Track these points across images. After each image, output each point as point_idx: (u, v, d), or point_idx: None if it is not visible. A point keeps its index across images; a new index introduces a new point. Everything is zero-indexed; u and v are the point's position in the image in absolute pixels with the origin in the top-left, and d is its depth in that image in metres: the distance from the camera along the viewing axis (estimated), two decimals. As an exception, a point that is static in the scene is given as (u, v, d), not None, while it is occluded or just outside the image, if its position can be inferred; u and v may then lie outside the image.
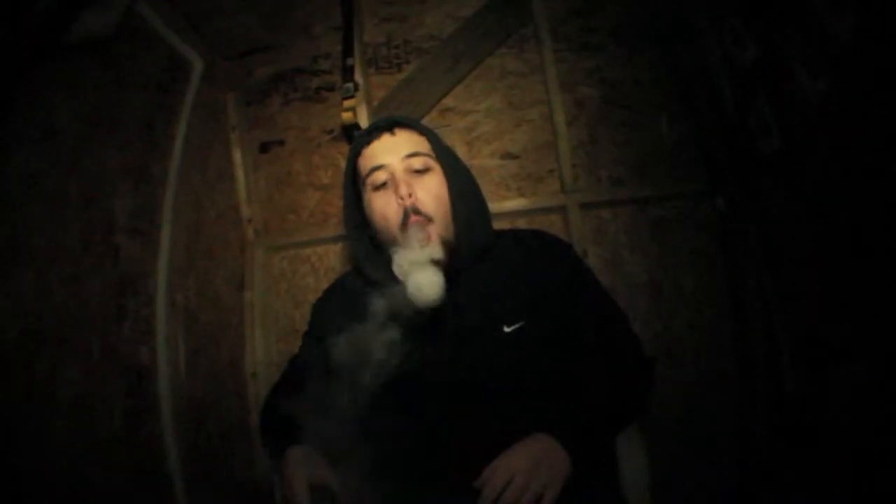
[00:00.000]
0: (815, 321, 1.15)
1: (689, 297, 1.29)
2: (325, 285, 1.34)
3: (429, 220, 0.83)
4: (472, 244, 0.88)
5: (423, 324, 0.82)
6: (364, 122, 1.30)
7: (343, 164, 1.35)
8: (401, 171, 0.85)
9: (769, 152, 1.32)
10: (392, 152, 0.86)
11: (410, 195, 0.83)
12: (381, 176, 0.85)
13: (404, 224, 0.82)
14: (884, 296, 0.92)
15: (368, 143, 0.89)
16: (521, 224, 1.28)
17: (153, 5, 1.21)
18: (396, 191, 0.83)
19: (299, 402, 0.81)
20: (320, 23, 1.42)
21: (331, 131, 1.37)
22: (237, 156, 1.43)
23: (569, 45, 1.34)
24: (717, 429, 1.27)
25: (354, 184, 0.92)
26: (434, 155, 0.89)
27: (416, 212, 0.83)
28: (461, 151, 1.31)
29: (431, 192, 0.85)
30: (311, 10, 1.42)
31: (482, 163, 1.31)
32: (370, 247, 0.92)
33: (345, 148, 1.35)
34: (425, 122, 1.34)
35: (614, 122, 1.33)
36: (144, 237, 1.19)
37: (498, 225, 1.16)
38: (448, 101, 1.33)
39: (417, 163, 0.86)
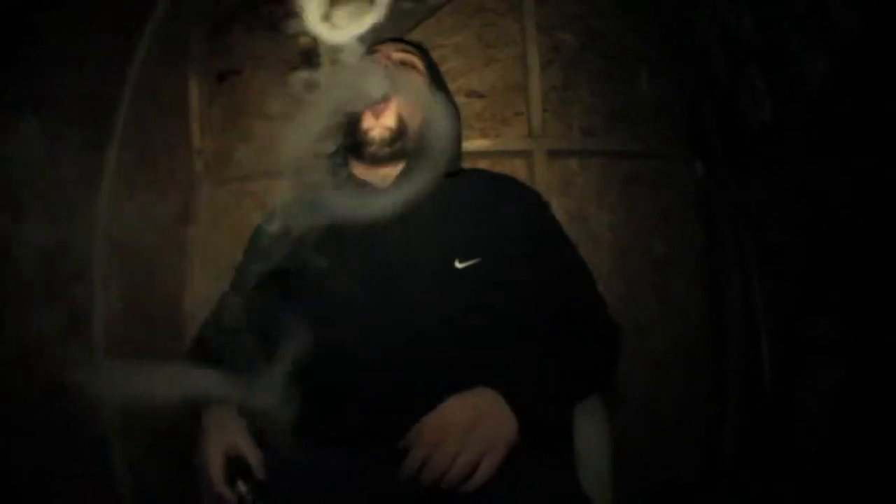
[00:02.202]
0: (795, 309, 1.06)
1: (658, 263, 1.19)
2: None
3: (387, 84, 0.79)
4: (437, 155, 0.79)
5: (363, 241, 0.74)
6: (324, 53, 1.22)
7: (301, 92, 1.28)
8: (386, 54, 0.84)
9: (758, 124, 1.24)
10: (385, 49, 0.87)
11: (389, 58, 0.84)
12: (370, 49, 0.84)
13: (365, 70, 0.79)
14: (868, 287, 0.84)
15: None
16: (484, 166, 1.19)
17: None
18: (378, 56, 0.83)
19: (219, 353, 0.72)
20: (291, -48, 1.35)
21: (289, 61, 1.29)
22: (193, 85, 1.35)
23: (550, -12, 1.27)
24: (684, 410, 1.16)
25: None
26: (425, 71, 0.87)
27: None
28: (425, 86, 1.22)
29: (412, 84, 0.84)
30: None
31: (446, 100, 1.22)
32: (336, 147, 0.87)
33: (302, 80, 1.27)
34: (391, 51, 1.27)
35: (592, 71, 1.24)
36: (88, 169, 1.11)
37: None
38: (415, 35, 1.24)
39: (403, 55, 0.86)
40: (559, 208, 1.16)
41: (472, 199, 0.81)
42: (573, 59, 1.23)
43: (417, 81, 0.87)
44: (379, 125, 0.80)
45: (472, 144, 1.18)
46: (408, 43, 0.94)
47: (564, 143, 1.19)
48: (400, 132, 0.81)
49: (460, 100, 1.22)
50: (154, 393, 0.66)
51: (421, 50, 0.93)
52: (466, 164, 1.17)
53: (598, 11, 1.26)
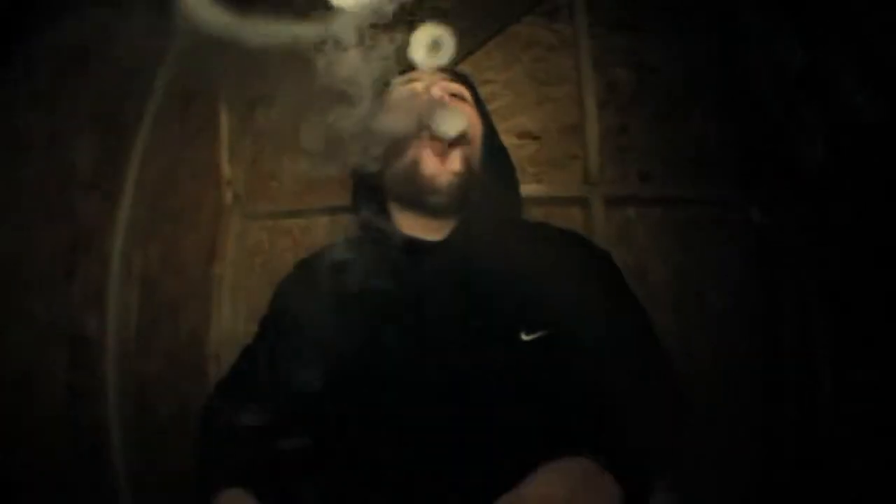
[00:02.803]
0: (855, 357, 1.02)
1: (715, 316, 1.13)
2: (305, 263, 1.21)
3: (456, 124, 0.69)
4: (497, 204, 0.73)
5: (412, 308, 0.65)
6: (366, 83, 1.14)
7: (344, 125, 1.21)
8: (437, 77, 0.76)
9: (813, 165, 1.19)
10: (429, 74, 0.78)
11: (444, 97, 0.73)
12: (409, 86, 0.75)
13: (421, 122, 0.68)
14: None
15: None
16: (537, 214, 1.12)
17: None
18: (424, 92, 0.73)
19: (243, 423, 0.63)
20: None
21: (328, 87, 1.21)
22: (224, 109, 1.27)
23: (605, 19, 1.19)
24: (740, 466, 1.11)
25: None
26: (474, 104, 0.78)
27: (443, 105, 0.70)
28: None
29: (472, 122, 0.74)
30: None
31: (497, 140, 1.15)
32: (371, 190, 0.77)
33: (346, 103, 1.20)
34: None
35: (647, 111, 1.17)
36: (105, 189, 1.04)
37: None
38: (466, 67, 1.16)
39: (456, 86, 0.76)
40: (619, 261, 1.10)
41: (537, 258, 0.71)
42: (630, 98, 1.17)
43: (474, 119, 0.77)
44: (446, 170, 0.69)
45: (525, 190, 1.09)
46: (454, 72, 0.85)
47: (622, 189, 1.13)
48: (466, 178, 0.71)
49: (512, 141, 1.16)
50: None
51: (467, 81, 0.84)
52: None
53: (654, 47, 1.20)
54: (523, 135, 1.15)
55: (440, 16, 1.21)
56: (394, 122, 0.71)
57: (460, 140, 0.70)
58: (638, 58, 1.19)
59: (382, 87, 0.81)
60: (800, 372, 1.11)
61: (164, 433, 1.10)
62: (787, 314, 1.13)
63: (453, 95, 0.76)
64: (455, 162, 0.70)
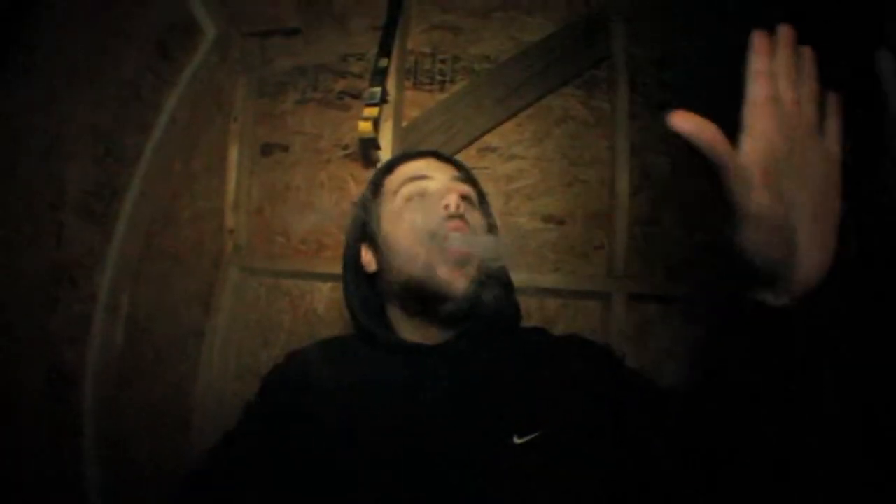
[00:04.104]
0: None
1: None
2: (301, 328, 1.13)
3: (477, 244, 0.64)
4: (498, 311, 0.66)
5: (407, 415, 0.60)
6: (386, 141, 1.07)
7: (353, 188, 1.14)
8: (452, 187, 0.68)
9: (843, 257, 1.11)
10: (441, 171, 0.70)
11: (459, 206, 0.65)
12: (423, 185, 0.68)
13: (437, 235, 0.62)
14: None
15: (409, 160, 0.72)
16: (552, 306, 1.05)
17: None
18: (442, 199, 0.65)
19: None
20: (360, 17, 1.19)
21: (346, 147, 1.14)
22: (234, 152, 1.20)
23: (647, 99, 1.11)
24: None
25: (373, 206, 0.71)
26: (477, 202, 0.73)
27: (462, 220, 0.64)
28: (496, 203, 1.06)
29: (481, 223, 0.69)
30: (354, 1, 1.21)
31: (519, 222, 1.07)
32: (367, 291, 0.72)
33: (358, 169, 1.12)
34: (461, 158, 1.11)
35: (683, 202, 1.09)
36: (97, 220, 0.97)
37: (524, 302, 0.93)
38: (491, 139, 1.09)
39: (469, 189, 0.70)
40: (632, 360, 1.02)
41: (532, 363, 0.66)
42: (665, 187, 1.08)
43: (482, 223, 0.71)
44: (463, 276, 0.64)
45: (544, 279, 1.03)
46: (459, 165, 0.78)
47: (647, 285, 1.04)
48: (484, 284, 0.65)
49: (536, 224, 1.08)
50: None
51: (470, 176, 0.77)
52: (535, 302, 1.05)
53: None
54: (548, 218, 1.07)
55: (473, 77, 1.13)
56: (404, 229, 0.65)
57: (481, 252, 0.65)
58: (677, 143, 1.10)
59: (379, 173, 0.76)
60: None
61: (141, 481, 1.05)
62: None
63: (464, 198, 0.70)
64: (473, 269, 0.64)
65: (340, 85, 1.17)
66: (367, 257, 0.71)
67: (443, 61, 1.13)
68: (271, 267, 1.14)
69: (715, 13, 1.18)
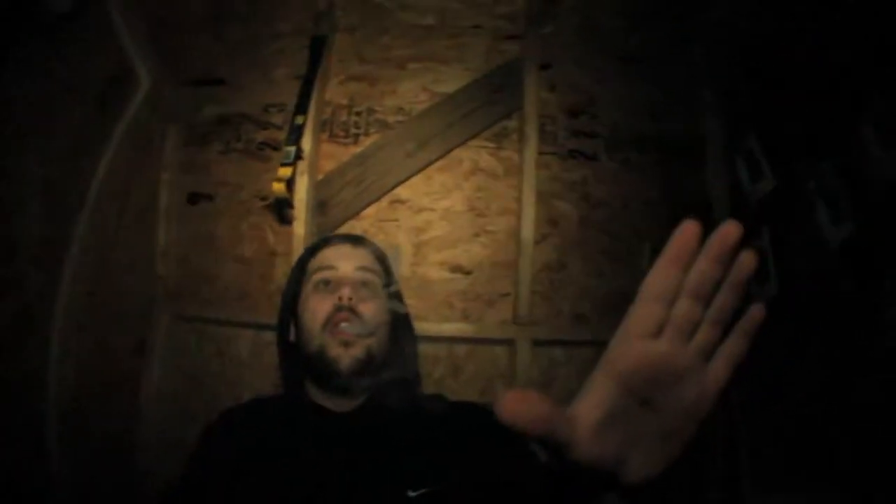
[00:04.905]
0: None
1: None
2: (229, 372, 1.19)
3: (364, 328, 0.76)
4: (400, 383, 0.77)
5: (314, 469, 0.69)
6: (301, 195, 1.11)
7: (272, 238, 1.18)
8: (350, 278, 0.80)
9: (762, 300, 1.15)
10: (347, 260, 0.82)
11: (351, 299, 0.77)
12: (328, 275, 0.80)
13: (330, 320, 0.75)
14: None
15: (326, 246, 0.85)
16: (461, 352, 1.09)
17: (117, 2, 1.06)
18: (337, 291, 0.78)
19: None
20: (283, 66, 1.22)
21: (265, 198, 1.17)
22: (163, 201, 1.25)
23: (557, 148, 1.14)
24: None
25: (297, 284, 0.84)
26: (383, 280, 0.82)
27: (351, 312, 0.76)
28: (406, 254, 1.11)
29: (375, 312, 0.78)
30: (278, 49, 1.23)
31: (427, 272, 1.11)
32: (291, 358, 0.83)
33: (274, 221, 1.17)
34: (372, 211, 1.15)
35: (589, 248, 1.13)
36: (47, 269, 1.03)
37: (433, 350, 0.98)
38: (402, 192, 1.13)
39: (369, 276, 0.81)
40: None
41: (425, 427, 0.75)
42: (571, 234, 1.13)
43: (381, 309, 0.80)
44: (348, 355, 0.74)
45: (451, 327, 1.08)
46: (370, 248, 0.85)
47: (552, 331, 1.09)
48: (367, 363, 0.76)
49: (444, 274, 1.13)
50: None
51: (380, 257, 0.85)
52: (444, 349, 1.10)
53: (601, 176, 1.15)
54: (455, 268, 1.11)
55: (386, 130, 1.16)
56: (309, 312, 0.77)
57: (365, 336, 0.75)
58: (585, 190, 1.14)
59: (304, 254, 0.86)
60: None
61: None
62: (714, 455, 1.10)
63: (364, 284, 0.79)
64: (357, 349, 0.75)
65: (261, 136, 1.20)
66: (291, 329, 0.82)
67: (358, 113, 1.17)
68: (199, 314, 1.19)
69: (630, 61, 1.21)
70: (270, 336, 1.17)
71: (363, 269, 0.80)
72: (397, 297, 0.83)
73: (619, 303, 1.14)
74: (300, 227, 1.11)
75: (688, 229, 0.39)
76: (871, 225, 0.86)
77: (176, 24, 1.19)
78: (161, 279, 1.23)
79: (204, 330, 1.19)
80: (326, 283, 0.79)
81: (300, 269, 0.84)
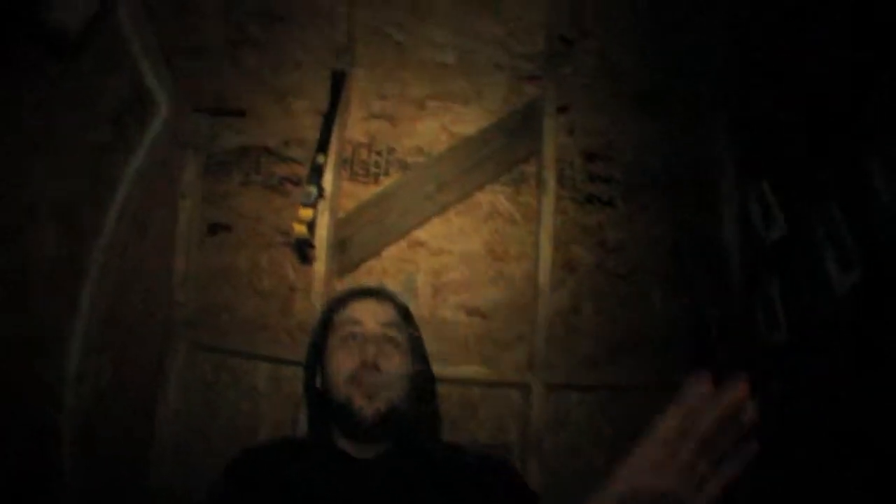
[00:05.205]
0: None
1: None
2: (244, 403, 1.22)
3: (387, 385, 0.80)
4: (420, 434, 0.83)
5: None
6: (321, 234, 1.13)
7: (292, 274, 1.20)
8: (375, 335, 0.84)
9: (771, 346, 1.16)
10: (373, 316, 0.86)
11: (376, 356, 0.81)
12: (354, 330, 0.85)
13: (355, 377, 0.79)
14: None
15: (352, 300, 0.89)
16: (475, 394, 1.12)
17: (132, 15, 1.03)
18: (362, 347, 0.82)
19: None
20: (303, 99, 1.22)
21: (285, 233, 1.19)
22: (182, 229, 1.25)
23: (574, 193, 1.16)
24: None
25: (323, 335, 0.88)
26: (408, 334, 0.87)
27: (376, 370, 0.80)
28: (425, 296, 1.14)
29: (399, 367, 0.83)
30: (298, 81, 1.23)
31: (445, 315, 1.14)
32: (318, 404, 0.87)
33: (294, 257, 1.18)
34: (391, 252, 1.17)
35: (604, 293, 1.16)
36: (63, 293, 1.02)
37: (448, 390, 1.00)
38: (421, 234, 1.15)
39: (393, 332, 0.85)
40: (550, 444, 1.10)
41: (447, 476, 0.80)
42: (586, 280, 1.15)
43: (403, 363, 0.84)
44: (372, 407, 0.79)
45: (466, 370, 1.11)
46: (390, 298, 0.89)
47: (565, 375, 1.12)
48: (390, 414, 0.80)
49: (461, 317, 1.15)
50: None
51: (403, 310, 0.89)
52: (458, 390, 1.12)
53: (616, 221, 1.17)
54: (472, 311, 1.14)
55: (406, 170, 1.17)
56: (335, 365, 0.82)
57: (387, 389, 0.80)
58: (600, 236, 1.16)
59: (331, 306, 0.89)
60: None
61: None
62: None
63: (388, 340, 0.83)
64: (380, 402, 0.79)
65: (282, 170, 1.21)
66: (318, 377, 0.86)
67: (378, 153, 1.18)
68: (216, 343, 1.20)
69: (646, 102, 1.22)
70: (288, 369, 1.21)
71: (387, 325, 0.84)
72: (419, 345, 0.87)
73: (631, 348, 1.17)
74: (320, 265, 1.13)
75: (701, 383, 0.47)
76: (880, 269, 0.87)
77: (192, 48, 1.19)
78: (179, 306, 1.25)
79: (221, 361, 1.21)
80: (353, 337, 0.83)
81: (327, 321, 0.87)
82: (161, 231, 1.29)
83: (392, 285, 1.17)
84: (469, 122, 1.17)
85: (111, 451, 1.17)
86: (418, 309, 1.15)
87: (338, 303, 0.89)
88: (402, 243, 1.14)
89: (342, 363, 0.81)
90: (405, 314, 0.88)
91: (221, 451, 1.19)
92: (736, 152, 1.20)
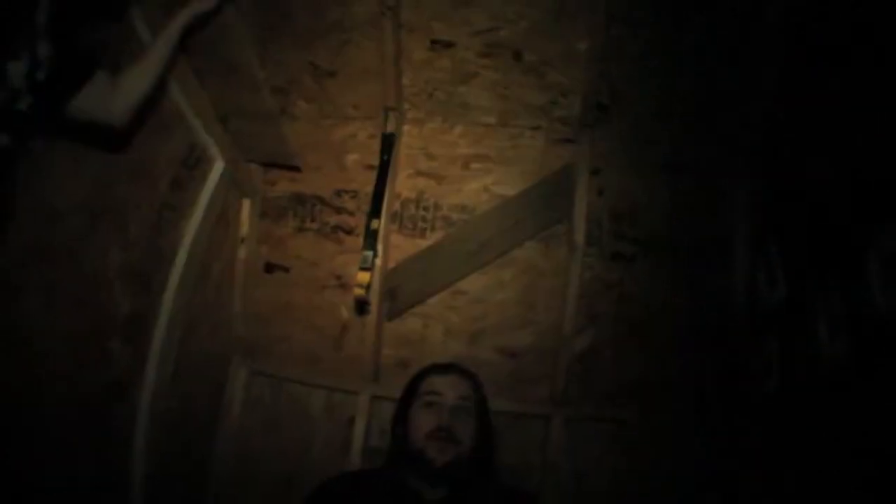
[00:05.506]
0: None
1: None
2: (304, 426, 1.37)
3: (456, 443, 0.98)
4: (481, 479, 1.01)
5: None
6: (374, 284, 1.26)
7: (345, 313, 1.34)
8: (452, 405, 1.01)
9: (763, 394, 1.31)
10: (451, 388, 1.03)
11: (450, 421, 0.99)
12: (434, 399, 1.02)
13: (432, 434, 0.97)
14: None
15: (437, 375, 1.06)
16: (502, 423, 1.28)
17: (183, 87, 1.12)
18: (441, 414, 1.00)
19: None
20: (354, 154, 1.34)
21: (339, 277, 1.33)
22: (240, 269, 1.39)
23: (600, 250, 1.30)
24: None
25: (409, 395, 1.06)
26: (476, 402, 1.04)
27: (448, 433, 0.97)
28: (463, 339, 1.30)
29: (466, 431, 1.00)
30: (348, 135, 1.34)
31: (480, 355, 1.30)
32: (398, 450, 1.05)
33: (348, 297, 1.32)
34: (436, 300, 1.32)
35: (620, 341, 1.31)
36: (136, 344, 1.17)
37: None
38: (463, 284, 1.29)
39: (466, 403, 1.03)
40: (564, 467, 1.29)
41: None
42: (606, 329, 1.30)
43: (471, 427, 1.01)
44: (441, 459, 0.96)
45: (498, 403, 1.25)
46: (465, 372, 1.05)
47: (582, 409, 1.29)
48: (456, 463, 0.97)
49: (495, 357, 1.31)
50: None
51: (474, 380, 1.05)
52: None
53: (636, 276, 1.31)
54: (503, 351, 1.30)
55: (450, 226, 1.30)
56: (416, 423, 1.00)
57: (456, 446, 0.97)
58: (621, 290, 1.31)
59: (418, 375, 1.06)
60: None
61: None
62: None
63: (461, 409, 1.01)
64: (449, 455, 0.97)
65: (335, 219, 1.33)
66: (399, 428, 1.04)
67: (425, 208, 1.30)
68: (274, 371, 1.36)
69: (670, 168, 1.33)
70: (339, 396, 1.37)
71: (462, 398, 1.01)
72: (485, 410, 1.05)
73: (641, 389, 1.33)
74: (372, 308, 1.27)
75: None
76: (865, 353, 0.96)
77: (243, 104, 1.23)
78: (239, 339, 1.39)
79: (278, 385, 1.37)
80: (432, 404, 1.01)
81: (414, 385, 1.06)
82: (222, 272, 1.40)
83: (432, 327, 1.33)
84: (509, 183, 1.30)
85: (175, 463, 1.32)
86: (458, 349, 1.32)
87: (424, 373, 1.07)
88: (446, 293, 1.29)
89: (422, 423, 0.99)
90: (477, 387, 1.05)
91: (277, 465, 1.36)
92: (752, 221, 1.31)
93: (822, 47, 1.10)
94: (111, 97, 0.84)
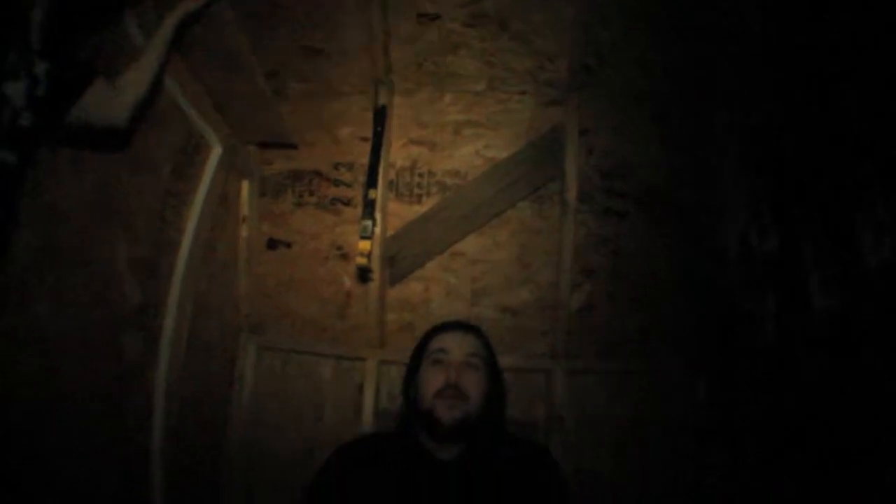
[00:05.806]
0: None
1: (655, 466, 1.36)
2: (311, 392, 1.42)
3: (465, 399, 0.98)
4: (491, 434, 1.02)
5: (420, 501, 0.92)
6: (375, 252, 1.30)
7: (348, 282, 1.38)
8: (459, 361, 1.02)
9: (762, 345, 1.35)
10: (459, 346, 1.04)
11: (457, 377, 1.00)
12: (441, 356, 1.03)
13: (440, 392, 0.98)
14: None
15: (443, 333, 1.07)
16: (507, 378, 1.32)
17: (178, 79, 1.15)
18: (448, 371, 1.00)
19: None
20: (348, 127, 1.37)
21: (339, 248, 1.37)
22: (243, 248, 1.42)
23: (592, 207, 1.34)
24: None
25: (418, 356, 1.07)
26: (484, 358, 1.05)
27: (456, 389, 0.98)
28: (464, 299, 1.34)
29: (475, 386, 1.01)
30: (341, 110, 1.37)
31: (481, 312, 1.34)
32: (408, 410, 1.06)
33: (350, 266, 1.37)
34: (435, 263, 1.36)
35: (617, 295, 1.36)
36: (148, 331, 1.21)
37: None
38: (459, 247, 1.33)
39: (474, 360, 1.03)
40: (569, 418, 1.34)
41: (511, 469, 1.00)
42: (602, 283, 1.35)
43: (479, 383, 1.02)
44: (451, 416, 0.97)
45: (502, 358, 1.26)
46: (471, 328, 1.07)
47: (583, 363, 1.34)
48: (465, 420, 0.98)
49: (495, 314, 1.35)
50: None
51: (481, 336, 1.07)
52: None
53: (630, 231, 1.35)
54: (504, 309, 1.34)
55: (445, 191, 1.34)
56: (425, 382, 1.00)
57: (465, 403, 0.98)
58: (615, 245, 1.35)
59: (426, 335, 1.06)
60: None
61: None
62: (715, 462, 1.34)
63: (469, 365, 1.01)
64: (458, 412, 0.98)
65: (333, 192, 1.37)
66: (410, 390, 1.05)
67: (420, 175, 1.34)
68: (282, 344, 1.40)
69: (662, 127, 1.36)
70: (347, 363, 1.41)
71: (470, 354, 1.02)
72: (494, 366, 1.06)
73: (639, 340, 1.38)
74: (374, 276, 1.31)
75: None
76: (856, 308, 0.96)
77: (240, 91, 1.26)
78: (246, 316, 1.43)
79: (287, 357, 1.41)
80: (440, 362, 1.02)
81: (422, 346, 1.07)
82: (227, 252, 1.44)
83: (433, 290, 1.37)
84: (499, 147, 1.34)
85: (192, 441, 1.36)
86: (459, 309, 1.36)
87: (433, 332, 1.08)
88: (445, 255, 1.33)
89: (430, 381, 1.00)
90: (485, 343, 1.06)
91: (291, 434, 1.40)
92: (743, 172, 1.32)
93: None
94: (111, 100, 0.86)
